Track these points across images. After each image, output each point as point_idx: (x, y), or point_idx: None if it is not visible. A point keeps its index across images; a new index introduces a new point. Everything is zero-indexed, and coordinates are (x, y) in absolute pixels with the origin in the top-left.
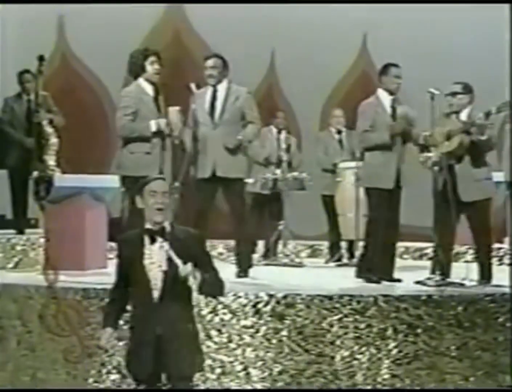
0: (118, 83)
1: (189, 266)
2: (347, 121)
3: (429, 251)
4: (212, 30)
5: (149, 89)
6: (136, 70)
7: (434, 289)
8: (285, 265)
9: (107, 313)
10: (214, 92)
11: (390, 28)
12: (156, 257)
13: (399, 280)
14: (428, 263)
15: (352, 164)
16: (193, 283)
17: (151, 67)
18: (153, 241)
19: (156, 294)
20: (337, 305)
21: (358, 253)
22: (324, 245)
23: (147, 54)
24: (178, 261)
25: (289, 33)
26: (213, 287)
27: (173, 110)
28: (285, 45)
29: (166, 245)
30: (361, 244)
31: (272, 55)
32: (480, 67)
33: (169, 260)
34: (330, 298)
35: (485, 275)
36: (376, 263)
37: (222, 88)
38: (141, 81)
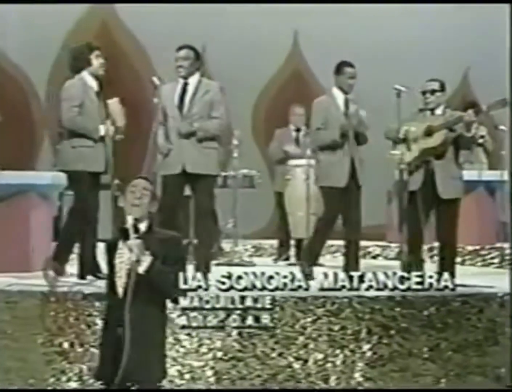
0: (43, 76)
1: (139, 241)
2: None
3: (372, 249)
4: (141, 25)
5: (93, 83)
6: (79, 64)
7: None
8: (237, 264)
9: None
10: (185, 85)
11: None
12: (126, 256)
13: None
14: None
15: (303, 161)
16: (139, 262)
17: (96, 61)
18: (126, 238)
19: (120, 291)
20: (311, 307)
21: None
22: (267, 243)
23: (92, 47)
24: (132, 235)
25: (220, 30)
26: (164, 281)
27: (114, 102)
28: (216, 42)
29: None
30: None
31: (202, 52)
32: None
33: (137, 260)
34: (304, 299)
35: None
36: (315, 258)
37: (193, 81)
38: (84, 74)
